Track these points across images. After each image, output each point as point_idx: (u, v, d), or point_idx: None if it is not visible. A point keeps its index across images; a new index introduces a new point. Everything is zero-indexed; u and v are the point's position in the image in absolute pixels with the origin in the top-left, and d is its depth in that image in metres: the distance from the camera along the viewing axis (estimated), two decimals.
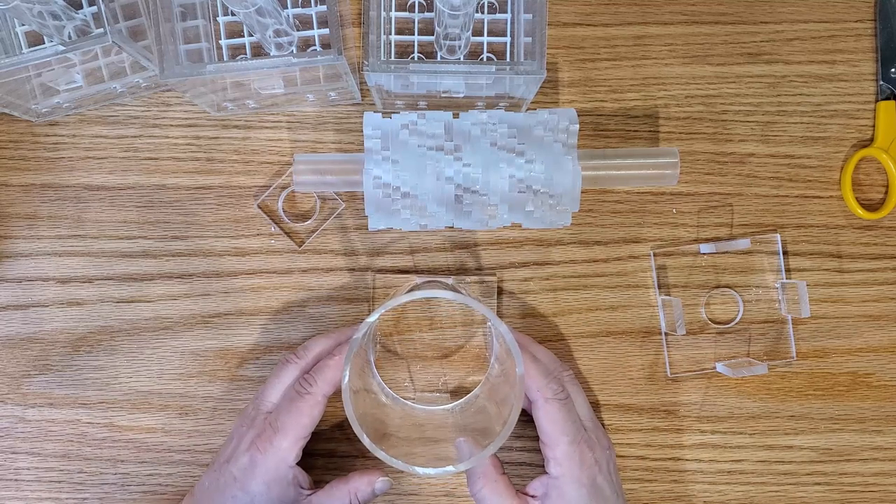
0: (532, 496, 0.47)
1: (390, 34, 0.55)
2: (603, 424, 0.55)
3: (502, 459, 0.55)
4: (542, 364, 0.49)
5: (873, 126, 0.56)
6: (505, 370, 0.47)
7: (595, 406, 0.55)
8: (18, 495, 0.55)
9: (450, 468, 0.43)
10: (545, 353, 0.51)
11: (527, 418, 0.50)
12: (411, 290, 0.48)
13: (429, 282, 0.54)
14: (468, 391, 0.54)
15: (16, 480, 0.54)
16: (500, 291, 0.55)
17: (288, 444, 0.47)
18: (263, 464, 0.46)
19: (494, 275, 0.55)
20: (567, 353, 0.55)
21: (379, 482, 0.48)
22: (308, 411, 0.47)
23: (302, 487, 0.48)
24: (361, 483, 0.48)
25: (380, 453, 0.42)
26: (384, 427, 0.47)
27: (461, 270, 0.55)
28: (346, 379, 0.42)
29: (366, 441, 0.42)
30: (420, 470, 0.42)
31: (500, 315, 0.55)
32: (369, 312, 0.54)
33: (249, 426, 0.48)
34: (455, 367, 0.55)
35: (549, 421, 0.46)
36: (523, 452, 0.55)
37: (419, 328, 0.55)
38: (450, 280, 0.54)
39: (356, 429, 0.42)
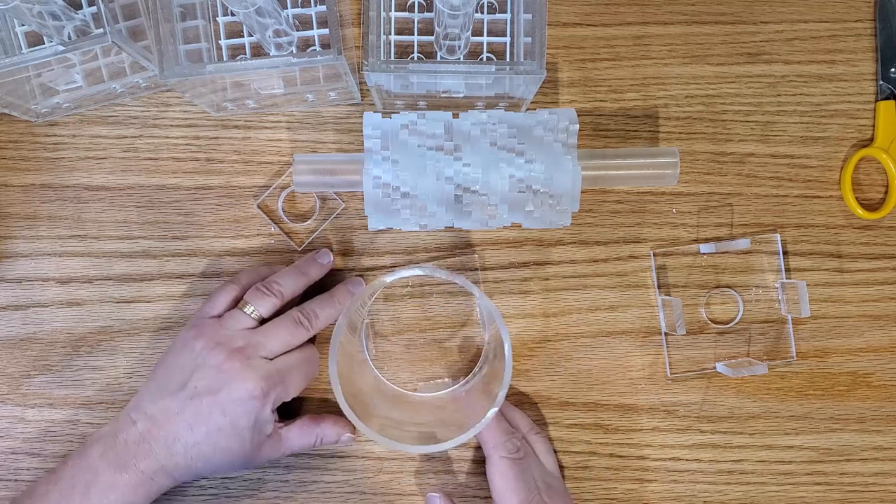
0: None
1: (390, 34, 0.55)
2: (600, 425, 0.55)
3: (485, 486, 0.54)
4: (505, 423, 0.51)
5: (873, 126, 0.56)
6: (497, 352, 0.49)
7: (595, 406, 0.55)
8: None
9: (455, 439, 0.44)
10: (518, 415, 0.53)
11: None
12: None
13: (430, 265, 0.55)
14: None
15: (16, 480, 0.54)
16: (483, 267, 0.55)
17: (291, 395, 0.49)
18: (263, 410, 0.47)
19: (475, 253, 0.55)
20: (567, 353, 0.55)
21: (345, 436, 0.52)
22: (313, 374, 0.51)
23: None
24: (331, 431, 0.52)
25: (371, 433, 0.45)
26: (370, 400, 0.50)
27: (460, 270, 0.55)
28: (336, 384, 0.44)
29: (346, 410, 0.45)
30: (410, 447, 0.45)
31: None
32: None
33: (254, 372, 0.47)
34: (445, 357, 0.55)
35: (501, 478, 0.48)
36: None
37: (418, 322, 0.55)
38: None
39: (346, 409, 0.45)
